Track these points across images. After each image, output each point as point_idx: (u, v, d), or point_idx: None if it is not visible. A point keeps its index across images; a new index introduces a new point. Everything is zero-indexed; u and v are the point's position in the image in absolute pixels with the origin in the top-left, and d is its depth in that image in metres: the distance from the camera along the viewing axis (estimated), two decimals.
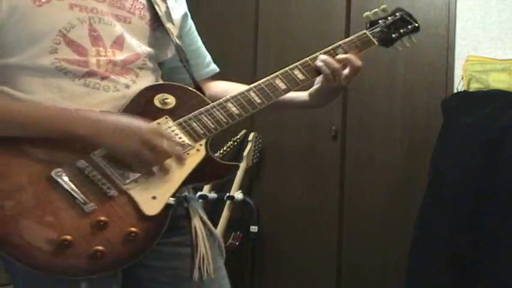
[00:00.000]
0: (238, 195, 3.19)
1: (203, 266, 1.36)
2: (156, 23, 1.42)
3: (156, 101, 1.32)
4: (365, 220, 3.10)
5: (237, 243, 3.18)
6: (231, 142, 3.26)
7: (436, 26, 2.98)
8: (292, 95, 1.52)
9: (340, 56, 1.50)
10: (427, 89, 2.99)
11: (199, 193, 3.20)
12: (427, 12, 3.01)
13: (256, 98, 1.41)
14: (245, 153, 3.20)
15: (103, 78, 1.30)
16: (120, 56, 1.33)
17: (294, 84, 1.46)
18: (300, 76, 1.47)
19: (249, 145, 3.22)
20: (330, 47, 1.52)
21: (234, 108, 1.37)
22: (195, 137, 1.31)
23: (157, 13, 1.42)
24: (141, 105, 1.31)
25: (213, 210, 3.28)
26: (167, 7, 1.46)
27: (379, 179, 3.09)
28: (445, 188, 2.61)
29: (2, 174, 1.16)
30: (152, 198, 1.24)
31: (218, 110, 1.35)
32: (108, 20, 1.34)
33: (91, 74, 1.29)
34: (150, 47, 1.41)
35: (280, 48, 3.31)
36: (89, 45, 1.30)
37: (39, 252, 1.15)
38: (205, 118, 1.33)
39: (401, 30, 1.64)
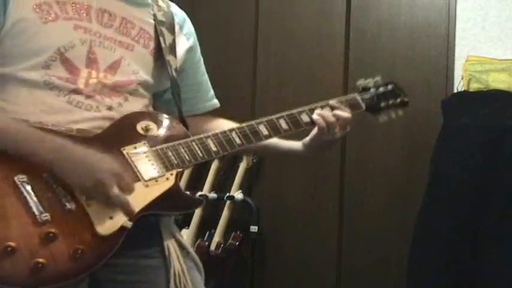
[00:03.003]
0: (238, 195, 3.19)
1: (179, 282, 1.35)
2: (158, 53, 1.45)
3: (139, 127, 1.35)
4: (365, 220, 3.10)
5: (237, 243, 3.18)
6: None
7: (436, 26, 2.98)
8: (286, 142, 1.58)
9: (336, 112, 1.54)
10: (427, 89, 2.99)
11: (199, 193, 3.21)
12: (427, 12, 3.01)
13: (237, 139, 1.44)
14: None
15: (87, 97, 1.32)
16: (111, 80, 1.35)
17: (276, 133, 1.50)
18: (284, 126, 1.51)
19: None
20: (319, 103, 1.56)
21: (212, 145, 1.39)
22: (167, 165, 1.33)
23: (159, 44, 1.45)
24: (123, 128, 1.33)
25: (213, 210, 3.28)
26: (173, 40, 1.49)
27: (379, 179, 3.09)
28: (445, 188, 2.61)
29: None
30: (109, 218, 1.23)
31: (197, 145, 1.38)
32: (109, 45, 1.37)
33: (76, 91, 1.31)
34: (148, 75, 1.43)
35: (280, 48, 3.31)
36: (83, 66, 1.32)
37: None
38: (182, 150, 1.35)
39: (390, 102, 1.69)
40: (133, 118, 1.35)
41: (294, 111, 1.53)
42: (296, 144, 1.59)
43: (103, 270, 1.25)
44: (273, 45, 3.34)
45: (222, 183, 3.31)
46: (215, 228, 3.17)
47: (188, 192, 1.40)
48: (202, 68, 1.63)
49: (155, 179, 1.31)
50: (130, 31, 1.41)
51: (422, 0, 3.02)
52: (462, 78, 2.83)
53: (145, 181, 1.30)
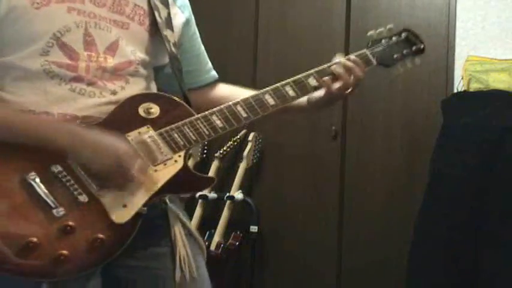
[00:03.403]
0: (238, 195, 3.19)
1: (185, 266, 1.36)
2: (155, 29, 1.42)
3: (141, 110, 1.33)
4: (365, 220, 3.10)
5: (237, 243, 3.17)
6: (231, 142, 3.26)
7: (436, 26, 2.98)
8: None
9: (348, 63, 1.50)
10: (427, 89, 2.99)
11: (199, 193, 3.21)
12: (427, 12, 3.01)
13: (243, 113, 1.40)
14: (245, 153, 3.20)
15: (89, 84, 1.31)
16: (111, 62, 1.34)
17: (284, 101, 1.46)
18: (291, 93, 1.47)
19: (249, 145, 3.22)
20: (327, 64, 1.53)
21: (218, 122, 1.37)
22: (174, 147, 1.32)
23: (154, 19, 1.42)
24: (125, 113, 1.32)
25: (213, 210, 3.28)
26: (168, 13, 1.46)
27: (379, 179, 3.09)
28: (445, 187, 2.61)
29: None
30: (123, 206, 1.25)
31: (202, 122, 1.35)
32: (105, 26, 1.34)
33: (78, 79, 1.30)
34: (147, 54, 1.41)
35: (280, 48, 3.31)
36: (82, 49, 1.31)
37: (3, 252, 1.15)
38: (187, 129, 1.34)
39: (404, 51, 1.62)
40: (134, 101, 1.33)
41: (300, 76, 1.49)
42: (302, 101, 1.54)
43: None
44: (273, 45, 3.34)
45: (222, 183, 3.31)
46: (215, 228, 3.17)
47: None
48: (199, 39, 1.60)
49: (163, 162, 1.30)
50: (124, 8, 1.38)
51: (422, 0, 3.02)
52: (462, 78, 2.83)
53: (154, 166, 1.29)
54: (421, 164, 2.83)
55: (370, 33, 1.59)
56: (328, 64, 1.53)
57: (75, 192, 1.22)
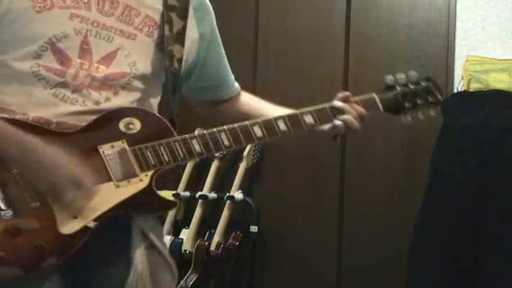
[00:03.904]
0: (238, 195, 3.18)
1: (139, 285, 1.32)
2: (163, 43, 1.39)
3: (121, 124, 1.31)
4: (365, 220, 3.10)
5: (237, 243, 3.17)
6: None
7: (436, 26, 2.98)
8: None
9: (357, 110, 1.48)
10: None
11: (199, 193, 3.21)
12: (427, 12, 3.01)
13: (225, 141, 1.37)
14: (245, 153, 3.20)
15: (74, 91, 1.29)
16: (103, 72, 1.32)
17: (272, 135, 1.42)
18: (282, 127, 1.43)
19: (249, 145, 3.22)
20: (327, 104, 1.48)
21: (196, 146, 1.35)
22: (143, 166, 1.30)
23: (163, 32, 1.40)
24: (105, 124, 1.30)
25: (213, 210, 3.28)
26: (183, 26, 1.43)
27: (379, 179, 3.08)
28: (444, 187, 2.60)
29: None
30: (73, 217, 1.24)
31: (179, 145, 1.33)
32: (106, 35, 1.33)
33: (63, 85, 1.29)
34: (149, 66, 1.38)
35: (280, 48, 3.31)
36: (76, 57, 1.30)
37: None
38: (162, 150, 1.32)
39: (419, 101, 1.54)
40: (117, 114, 1.31)
41: (297, 112, 1.46)
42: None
43: (77, 264, 1.27)
44: (273, 45, 3.34)
45: (222, 183, 3.31)
46: (215, 228, 3.17)
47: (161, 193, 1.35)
48: (220, 53, 1.57)
49: (127, 179, 1.29)
50: (133, 19, 1.36)
51: (422, 0, 3.02)
52: (462, 78, 2.83)
53: (117, 181, 1.28)
54: (421, 164, 2.83)
55: (387, 78, 1.54)
56: (328, 105, 1.48)
57: (28, 197, 1.22)
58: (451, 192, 2.59)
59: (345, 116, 1.47)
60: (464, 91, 2.78)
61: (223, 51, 1.59)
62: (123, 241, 1.34)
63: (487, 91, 2.71)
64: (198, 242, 3.16)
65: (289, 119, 1.44)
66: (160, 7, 1.41)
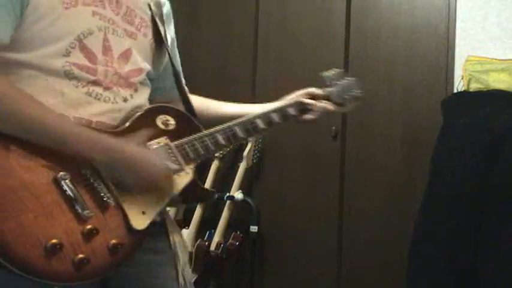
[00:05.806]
0: (238, 195, 3.19)
1: (184, 274, 1.39)
2: (155, 43, 1.47)
3: (158, 121, 1.38)
4: (365, 220, 3.10)
5: (237, 243, 3.18)
6: None
7: (436, 26, 2.98)
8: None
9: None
10: (427, 89, 2.99)
11: None
12: (427, 12, 3.01)
13: (240, 133, 1.49)
14: (245, 153, 3.20)
15: (105, 88, 1.32)
16: (125, 69, 1.36)
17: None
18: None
19: (249, 145, 3.22)
20: (283, 104, 1.73)
21: (220, 138, 1.45)
22: (187, 160, 1.38)
23: (156, 34, 1.46)
24: (145, 122, 1.36)
25: (213, 210, 3.28)
26: (165, 31, 1.50)
27: (379, 179, 3.09)
28: (445, 187, 2.61)
29: (7, 172, 1.15)
30: (142, 213, 1.29)
31: (209, 139, 1.43)
32: (121, 33, 1.37)
33: (96, 83, 1.30)
34: (149, 65, 1.45)
35: (280, 48, 3.31)
36: (100, 53, 1.32)
37: (24, 252, 1.13)
38: (197, 144, 1.40)
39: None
40: (153, 112, 1.38)
41: (283, 104, 1.71)
42: (255, 109, 1.63)
43: None
44: (273, 45, 3.34)
45: (222, 183, 3.31)
46: (215, 228, 3.17)
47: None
48: (179, 61, 1.64)
49: (178, 173, 1.36)
50: (133, 19, 1.41)
51: (422, 0, 3.02)
52: (462, 78, 2.83)
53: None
54: (421, 164, 2.83)
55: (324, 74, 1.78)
56: (285, 104, 1.72)
57: (104, 195, 1.24)
58: (451, 192, 2.59)
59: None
60: (464, 91, 2.78)
61: None
62: (162, 235, 1.40)
63: (487, 91, 2.72)
64: (198, 242, 3.16)
65: (279, 109, 1.68)
66: (148, 11, 1.47)
